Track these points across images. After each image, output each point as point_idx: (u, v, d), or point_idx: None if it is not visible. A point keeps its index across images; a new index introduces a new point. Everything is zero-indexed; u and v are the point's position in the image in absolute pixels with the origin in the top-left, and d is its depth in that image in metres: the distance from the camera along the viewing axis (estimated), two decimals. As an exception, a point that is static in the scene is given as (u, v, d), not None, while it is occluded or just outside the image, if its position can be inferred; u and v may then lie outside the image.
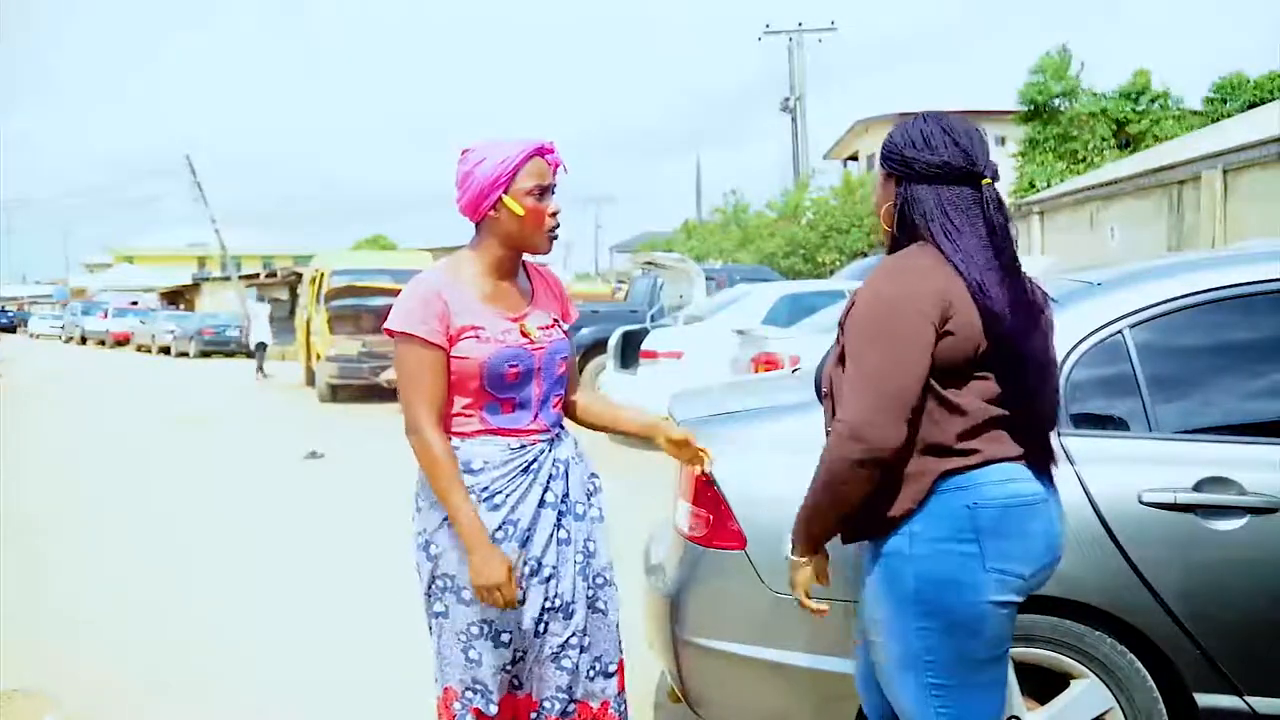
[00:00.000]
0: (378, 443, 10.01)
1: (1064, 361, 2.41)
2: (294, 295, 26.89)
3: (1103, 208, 16.97)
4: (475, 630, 2.29)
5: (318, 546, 6.17)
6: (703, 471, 2.52)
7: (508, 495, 2.29)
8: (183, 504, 7.60)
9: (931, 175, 1.93)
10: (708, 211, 36.09)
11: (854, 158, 36.55)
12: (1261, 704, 2.37)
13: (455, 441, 2.29)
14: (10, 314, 56.02)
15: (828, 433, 1.96)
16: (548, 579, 2.33)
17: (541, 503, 2.32)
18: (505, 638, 2.31)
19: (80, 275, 64.34)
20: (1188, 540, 2.36)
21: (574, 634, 2.36)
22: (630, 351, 10.27)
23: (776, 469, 2.50)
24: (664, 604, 2.71)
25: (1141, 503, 2.36)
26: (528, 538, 2.31)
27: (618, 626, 2.46)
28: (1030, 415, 1.94)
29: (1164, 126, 23.04)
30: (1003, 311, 1.86)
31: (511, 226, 2.28)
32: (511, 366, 2.27)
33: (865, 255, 22.39)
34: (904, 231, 1.98)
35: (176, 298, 42.53)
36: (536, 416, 2.34)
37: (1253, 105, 21.69)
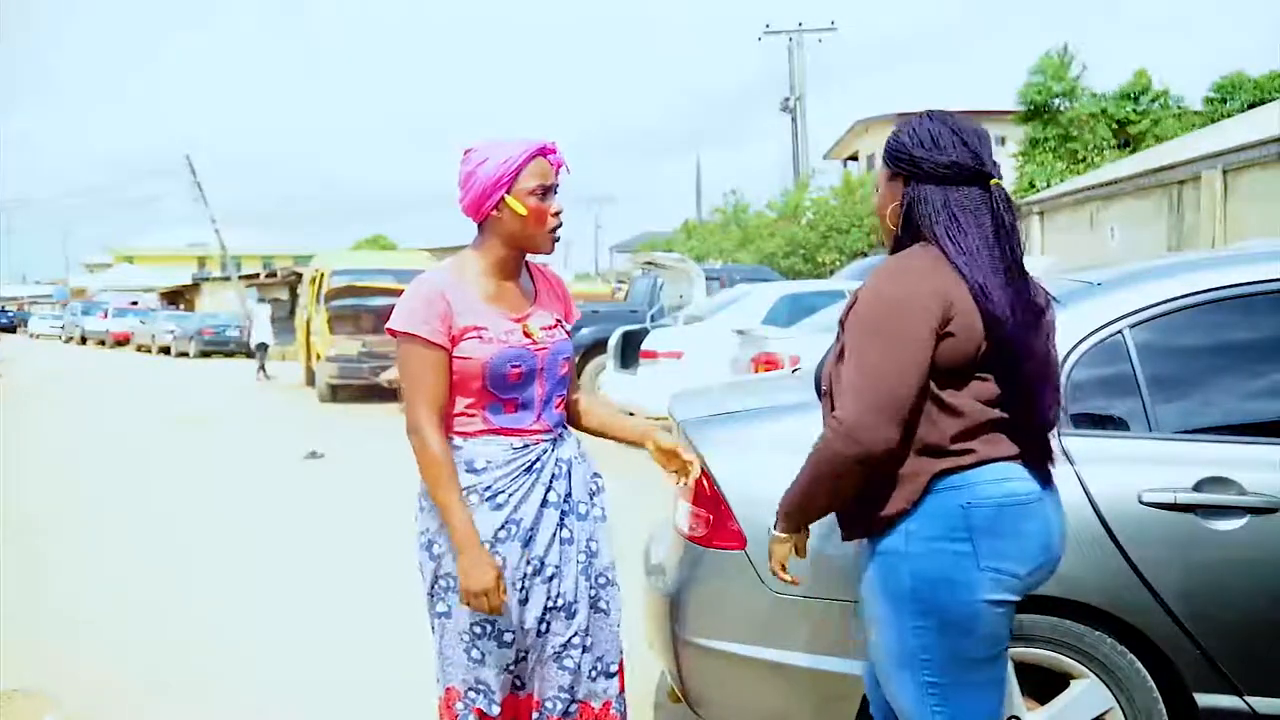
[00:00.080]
0: (378, 443, 10.01)
1: (1064, 361, 2.41)
2: (294, 295, 26.89)
3: (1103, 208, 16.97)
4: (478, 630, 2.29)
5: (318, 547, 6.17)
6: (687, 482, 2.53)
7: (510, 495, 2.29)
8: (183, 504, 7.60)
9: (940, 176, 1.93)
10: (708, 211, 36.12)
11: (854, 158, 36.55)
12: (1261, 704, 2.38)
13: (458, 441, 2.29)
14: (10, 314, 56.02)
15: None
16: (550, 578, 2.33)
17: (544, 502, 2.33)
18: (508, 637, 2.31)
19: (80, 275, 64.36)
20: (1188, 540, 2.36)
21: (576, 634, 2.36)
22: (630, 351, 10.27)
23: (776, 469, 2.48)
24: (664, 604, 2.71)
25: (1141, 503, 2.36)
26: (530, 537, 2.31)
27: (619, 626, 2.46)
28: (1030, 416, 1.94)
29: (1164, 126, 23.05)
30: (1004, 315, 1.86)
31: (514, 226, 2.28)
32: (514, 367, 2.27)
33: (865, 255, 22.39)
34: (909, 232, 1.98)
35: (176, 298, 42.54)
36: (539, 416, 2.35)
37: (1253, 105, 21.68)
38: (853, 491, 1.93)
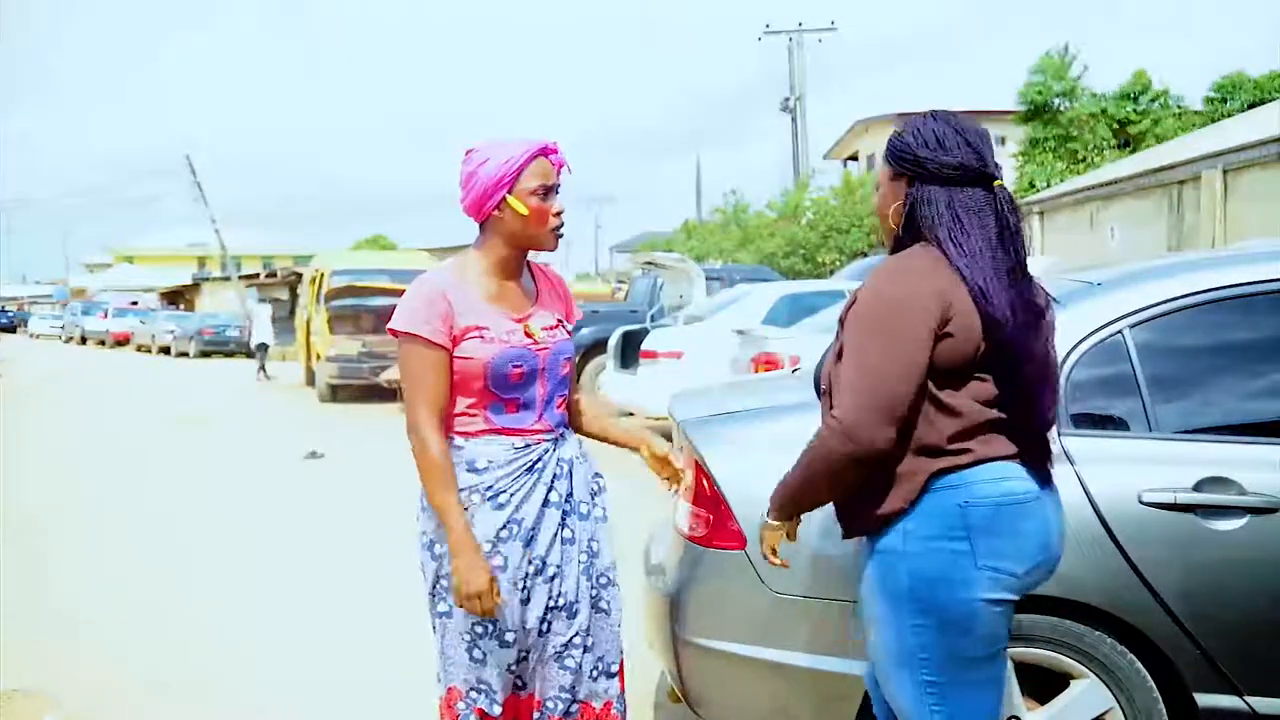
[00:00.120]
0: (378, 443, 10.01)
1: (1064, 361, 2.42)
2: (294, 295, 26.89)
3: (1103, 208, 16.97)
4: (480, 630, 2.29)
5: (318, 547, 6.17)
6: (678, 490, 2.56)
7: (512, 495, 2.29)
8: (183, 504, 7.60)
9: (945, 177, 1.93)
10: (708, 211, 36.12)
11: (854, 158, 36.55)
12: (1261, 704, 2.38)
13: (460, 441, 2.30)
14: (10, 314, 56.00)
15: None
16: (552, 578, 2.33)
17: (546, 502, 2.33)
18: (509, 637, 2.31)
19: (80, 275, 64.36)
20: (1188, 540, 2.36)
21: (578, 634, 2.36)
22: (630, 351, 10.27)
23: (776, 469, 2.49)
24: (664, 604, 2.71)
25: (1141, 503, 2.36)
26: (532, 537, 2.31)
27: (620, 626, 2.46)
28: (1029, 417, 1.95)
29: (1164, 126, 23.06)
30: (1004, 316, 1.86)
31: (516, 226, 2.28)
32: (515, 367, 2.28)
33: (865, 255, 22.39)
34: (910, 232, 1.98)
35: (176, 298, 42.53)
36: (541, 416, 2.35)
37: (1253, 105, 21.68)
38: (848, 487, 1.93)
